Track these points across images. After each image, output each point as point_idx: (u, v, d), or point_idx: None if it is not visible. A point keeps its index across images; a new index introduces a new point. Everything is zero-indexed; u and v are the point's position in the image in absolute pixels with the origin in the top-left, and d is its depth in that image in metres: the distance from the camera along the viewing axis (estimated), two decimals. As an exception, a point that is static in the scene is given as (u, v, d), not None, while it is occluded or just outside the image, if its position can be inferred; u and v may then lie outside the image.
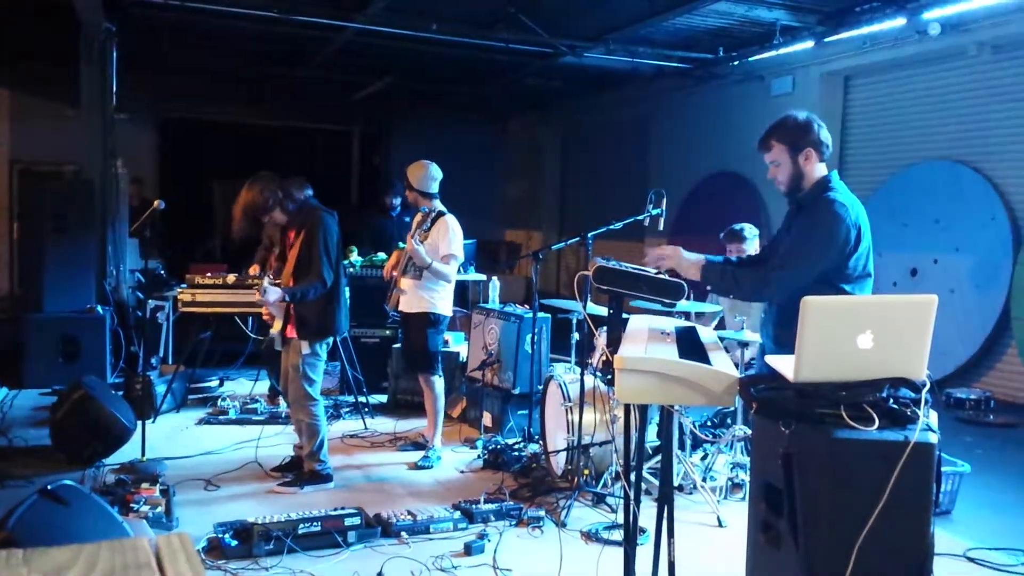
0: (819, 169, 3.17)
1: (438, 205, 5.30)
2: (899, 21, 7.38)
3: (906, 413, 2.25)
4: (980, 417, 6.71)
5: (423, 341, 5.23)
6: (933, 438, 2.23)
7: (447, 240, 5.16)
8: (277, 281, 4.84)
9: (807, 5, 7.55)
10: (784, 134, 3.17)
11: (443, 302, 5.27)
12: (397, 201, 8.85)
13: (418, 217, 5.21)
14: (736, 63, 9.37)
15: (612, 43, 8.83)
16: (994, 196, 7.37)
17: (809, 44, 8.35)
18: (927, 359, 2.34)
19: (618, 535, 3.92)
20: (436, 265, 5.10)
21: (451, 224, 5.21)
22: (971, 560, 3.91)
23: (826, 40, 8.15)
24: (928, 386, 2.32)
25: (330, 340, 4.81)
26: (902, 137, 8.48)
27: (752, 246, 5.25)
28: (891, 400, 2.27)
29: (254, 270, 6.35)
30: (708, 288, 3.36)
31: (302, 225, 4.70)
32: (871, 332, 2.28)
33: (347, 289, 5.00)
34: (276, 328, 4.74)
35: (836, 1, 7.44)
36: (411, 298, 5.24)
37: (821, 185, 3.15)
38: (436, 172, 5.29)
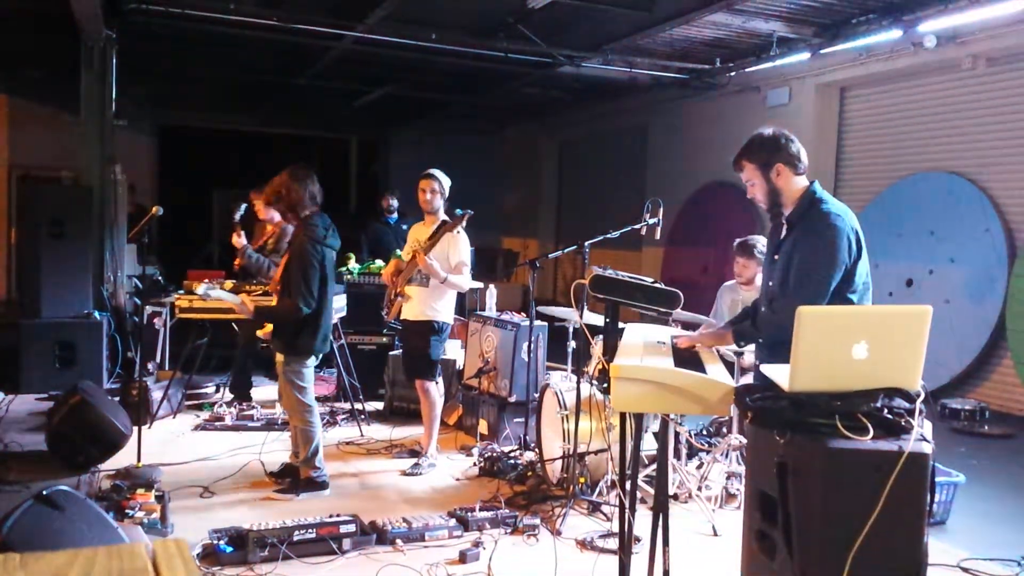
0: (796, 183, 3.14)
1: (442, 215, 5.35)
2: (895, 33, 7.42)
3: (900, 423, 2.26)
4: (975, 428, 6.72)
5: (426, 348, 5.26)
6: (927, 448, 2.24)
7: (457, 249, 5.21)
8: (259, 289, 4.92)
9: (803, 17, 7.59)
10: (752, 153, 3.18)
11: (446, 310, 5.33)
12: (395, 204, 8.88)
13: (433, 225, 5.26)
14: (733, 74, 9.42)
15: (610, 53, 8.88)
16: (989, 207, 7.41)
17: (805, 56, 8.41)
18: (922, 369, 2.35)
19: (613, 543, 3.92)
20: (452, 277, 5.16)
21: (458, 233, 5.25)
22: (965, 571, 3.92)
23: (822, 52, 8.21)
24: (922, 396, 2.33)
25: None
26: (898, 148, 8.52)
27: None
28: (885, 410, 2.27)
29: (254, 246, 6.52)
30: (742, 344, 3.37)
31: (292, 241, 4.73)
32: (866, 342, 2.29)
33: (332, 309, 4.90)
34: (266, 331, 4.77)
35: (832, 13, 7.49)
36: (417, 306, 5.27)
37: (808, 199, 3.11)
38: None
